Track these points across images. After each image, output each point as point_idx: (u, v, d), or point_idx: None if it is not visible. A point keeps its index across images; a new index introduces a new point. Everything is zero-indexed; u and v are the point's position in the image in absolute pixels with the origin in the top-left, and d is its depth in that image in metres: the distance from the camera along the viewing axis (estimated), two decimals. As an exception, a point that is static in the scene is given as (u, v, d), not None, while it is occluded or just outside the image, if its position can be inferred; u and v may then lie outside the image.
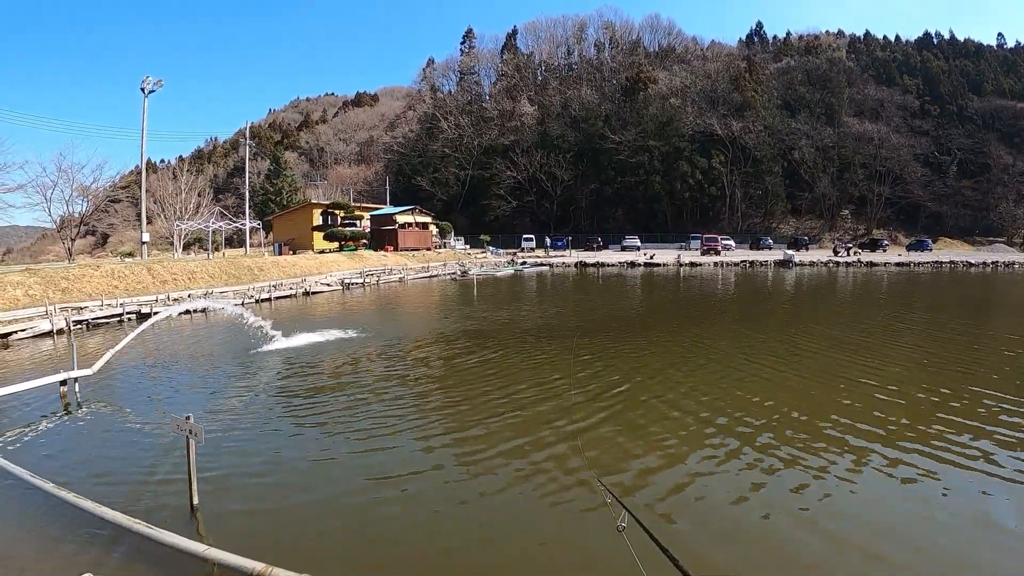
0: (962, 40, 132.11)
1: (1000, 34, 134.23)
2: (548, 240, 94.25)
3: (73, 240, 61.72)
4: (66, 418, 11.96)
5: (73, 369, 13.20)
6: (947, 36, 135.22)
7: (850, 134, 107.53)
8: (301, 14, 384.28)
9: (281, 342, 19.31)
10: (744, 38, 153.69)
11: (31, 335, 21.69)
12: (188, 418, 7.39)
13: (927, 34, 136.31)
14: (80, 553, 6.49)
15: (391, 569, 6.40)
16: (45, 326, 22.23)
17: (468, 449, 9.59)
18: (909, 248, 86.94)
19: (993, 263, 65.27)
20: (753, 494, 8.01)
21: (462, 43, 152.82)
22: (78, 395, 13.06)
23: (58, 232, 65.46)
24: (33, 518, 7.46)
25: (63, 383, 13.03)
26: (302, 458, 9.45)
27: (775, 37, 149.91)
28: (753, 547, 6.72)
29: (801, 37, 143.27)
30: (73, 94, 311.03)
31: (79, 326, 23.61)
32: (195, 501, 7.52)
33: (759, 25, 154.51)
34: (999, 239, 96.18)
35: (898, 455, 9.28)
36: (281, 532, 7.09)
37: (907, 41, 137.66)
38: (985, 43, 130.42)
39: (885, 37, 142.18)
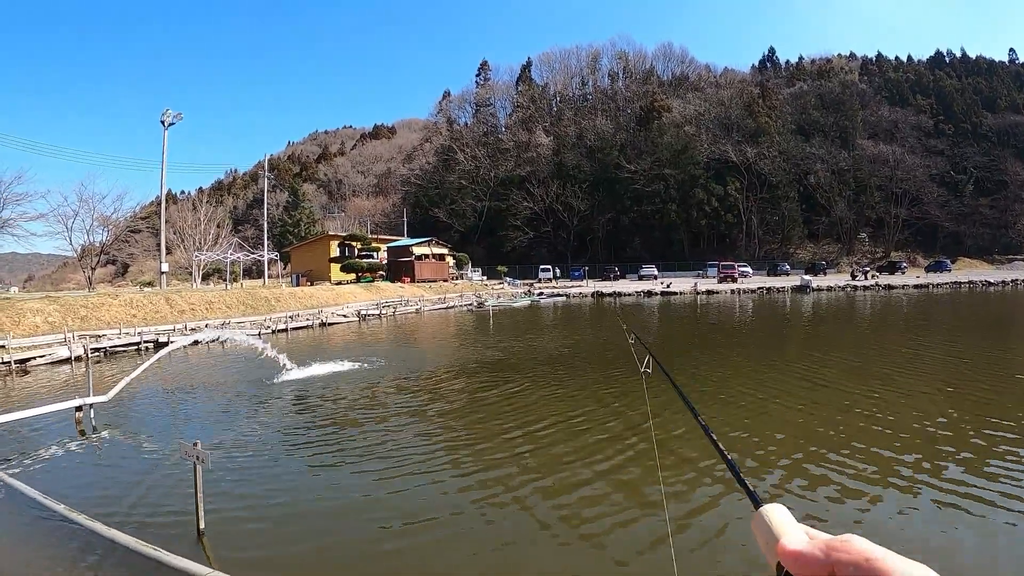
0: (974, 57, 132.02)
1: (1012, 50, 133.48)
2: (556, 272, 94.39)
3: (93, 269, 62.45)
4: (80, 443, 12.07)
5: (88, 395, 13.29)
6: (959, 54, 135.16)
7: (865, 156, 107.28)
8: (319, 48, 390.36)
9: (296, 372, 19.34)
10: (757, 64, 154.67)
11: (49, 361, 21.95)
12: (196, 444, 7.43)
13: (939, 53, 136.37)
14: (89, 572, 6.50)
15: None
16: (63, 353, 22.47)
17: (486, 491, 9.12)
18: (928, 269, 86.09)
19: (1012, 281, 64.57)
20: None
21: (477, 75, 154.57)
22: (93, 421, 13.12)
23: (79, 261, 66.28)
24: (45, 539, 7.50)
25: (78, 409, 13.12)
26: (311, 489, 9.40)
27: (787, 62, 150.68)
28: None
29: (813, 61, 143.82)
30: (96, 126, 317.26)
31: (97, 354, 23.84)
32: (202, 526, 7.51)
33: (771, 50, 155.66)
34: (1018, 257, 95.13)
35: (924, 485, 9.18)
36: (285, 560, 7.06)
37: (919, 61, 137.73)
38: (997, 59, 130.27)
39: (897, 58, 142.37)
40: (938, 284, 64.36)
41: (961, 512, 7.78)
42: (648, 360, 4.96)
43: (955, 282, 65.70)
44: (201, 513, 7.56)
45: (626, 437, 11.41)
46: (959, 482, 8.77)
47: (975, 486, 8.59)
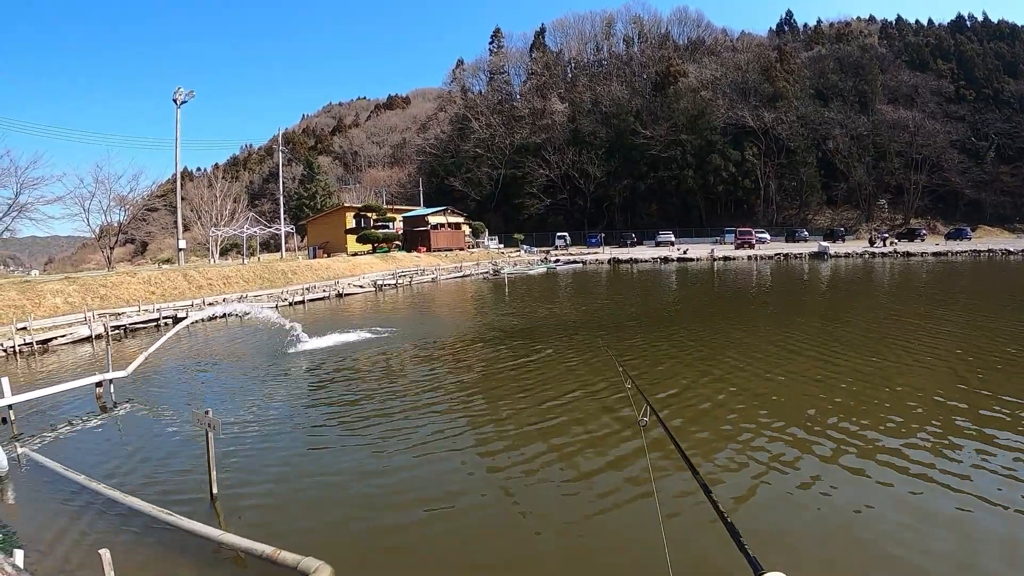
0: (995, 21, 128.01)
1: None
2: (568, 239, 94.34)
3: (112, 248, 62.95)
4: (101, 417, 12.49)
5: (108, 371, 13.62)
6: (980, 18, 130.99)
7: (885, 122, 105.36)
8: (331, 20, 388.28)
9: (311, 343, 19.65)
10: (774, 28, 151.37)
11: (70, 341, 22.33)
12: (207, 412, 7.72)
13: (960, 16, 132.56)
14: (109, 538, 6.82)
15: (400, 557, 6.62)
16: (84, 332, 22.86)
17: (493, 468, 9.04)
18: (948, 237, 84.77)
19: None
20: (789, 488, 8.07)
21: (491, 43, 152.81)
22: (113, 395, 13.52)
23: (97, 241, 66.82)
24: (67, 508, 7.89)
25: (99, 384, 13.48)
26: (322, 458, 9.68)
27: (805, 25, 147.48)
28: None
29: (832, 24, 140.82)
30: (110, 107, 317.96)
31: (117, 331, 24.24)
32: (215, 491, 7.88)
33: (789, 14, 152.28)
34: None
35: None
36: (294, 522, 7.40)
37: (940, 24, 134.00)
38: (1020, 24, 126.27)
39: (917, 21, 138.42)
40: (957, 252, 63.32)
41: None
42: (646, 409, 4.99)
43: (974, 250, 64.33)
44: (214, 478, 7.96)
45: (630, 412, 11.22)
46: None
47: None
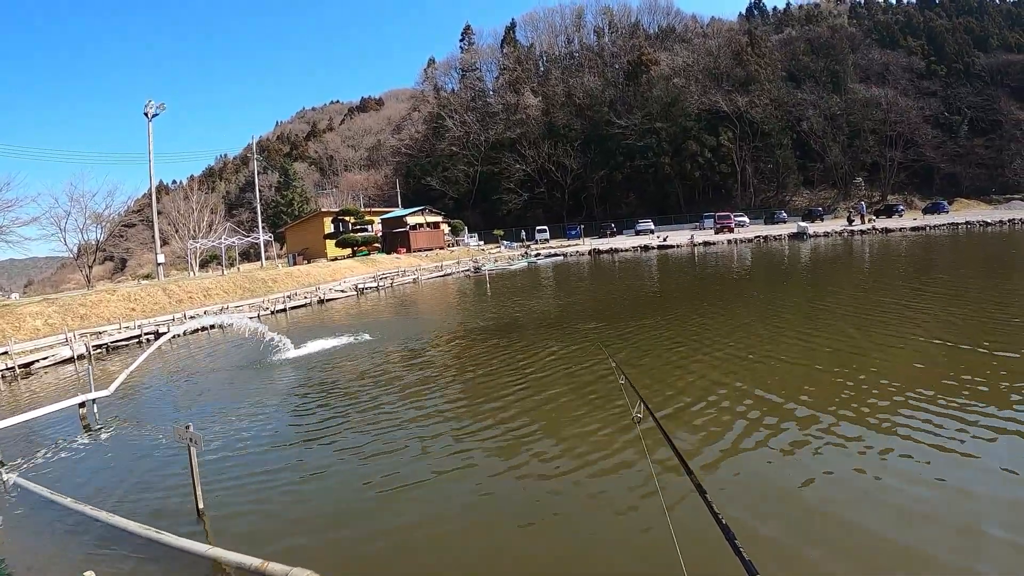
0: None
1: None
2: (545, 233, 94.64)
3: (91, 267, 62.39)
4: (85, 437, 12.45)
5: (90, 391, 13.56)
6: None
7: (857, 100, 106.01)
8: (301, 24, 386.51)
9: (294, 352, 19.58)
10: (744, 12, 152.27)
11: (52, 363, 22.14)
12: (188, 427, 7.73)
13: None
14: (95, 559, 6.85)
15: (389, 565, 6.66)
16: (65, 353, 22.67)
17: (492, 467, 8.99)
18: (925, 211, 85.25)
19: (1010, 221, 63.41)
20: (777, 454, 8.16)
21: (461, 40, 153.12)
22: (97, 415, 13.46)
23: (76, 260, 66.15)
24: (53, 531, 7.91)
25: (82, 405, 13.44)
26: (308, 466, 9.69)
27: (775, 8, 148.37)
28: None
29: (801, 6, 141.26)
30: (81, 118, 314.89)
31: (99, 350, 24.07)
32: (200, 505, 7.90)
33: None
34: (1016, 196, 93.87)
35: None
36: (282, 534, 7.41)
37: (908, 2, 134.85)
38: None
39: (886, 0, 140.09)
40: (935, 226, 63.56)
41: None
42: (639, 405, 4.95)
43: (952, 223, 64.60)
44: (199, 493, 7.98)
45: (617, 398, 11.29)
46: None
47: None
